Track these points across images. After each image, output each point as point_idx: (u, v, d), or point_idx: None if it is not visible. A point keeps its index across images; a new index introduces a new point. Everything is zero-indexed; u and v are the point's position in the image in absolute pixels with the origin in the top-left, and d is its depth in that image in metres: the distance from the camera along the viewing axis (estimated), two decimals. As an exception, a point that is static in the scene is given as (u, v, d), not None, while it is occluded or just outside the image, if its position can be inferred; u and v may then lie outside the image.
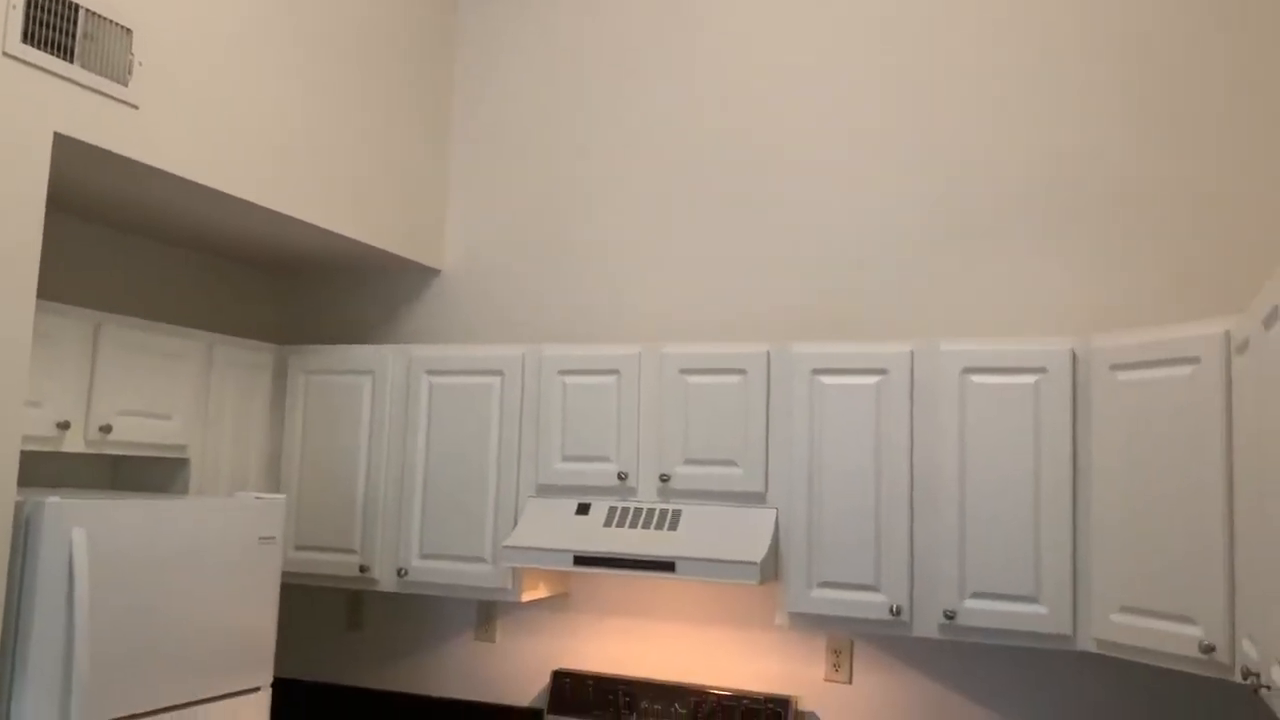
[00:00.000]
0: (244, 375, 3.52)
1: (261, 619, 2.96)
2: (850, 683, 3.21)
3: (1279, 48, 2.97)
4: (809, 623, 2.94)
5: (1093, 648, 2.64)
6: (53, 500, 2.40)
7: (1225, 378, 2.30)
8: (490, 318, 3.82)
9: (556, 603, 3.58)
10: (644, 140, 3.67)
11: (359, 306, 4.03)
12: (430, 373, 3.44)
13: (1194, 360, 2.38)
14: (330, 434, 3.54)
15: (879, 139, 3.38)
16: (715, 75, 3.60)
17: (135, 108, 2.64)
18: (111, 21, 2.57)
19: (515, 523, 3.27)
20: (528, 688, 3.59)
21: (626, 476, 3.16)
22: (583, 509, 3.16)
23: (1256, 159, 2.96)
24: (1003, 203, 3.22)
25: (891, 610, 2.82)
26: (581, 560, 3.00)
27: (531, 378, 3.33)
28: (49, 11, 2.42)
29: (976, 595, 2.76)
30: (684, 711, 3.26)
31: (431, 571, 3.34)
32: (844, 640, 3.22)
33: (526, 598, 3.28)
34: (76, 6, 2.48)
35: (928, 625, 2.81)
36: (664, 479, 3.11)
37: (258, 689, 2.94)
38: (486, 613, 3.66)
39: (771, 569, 2.93)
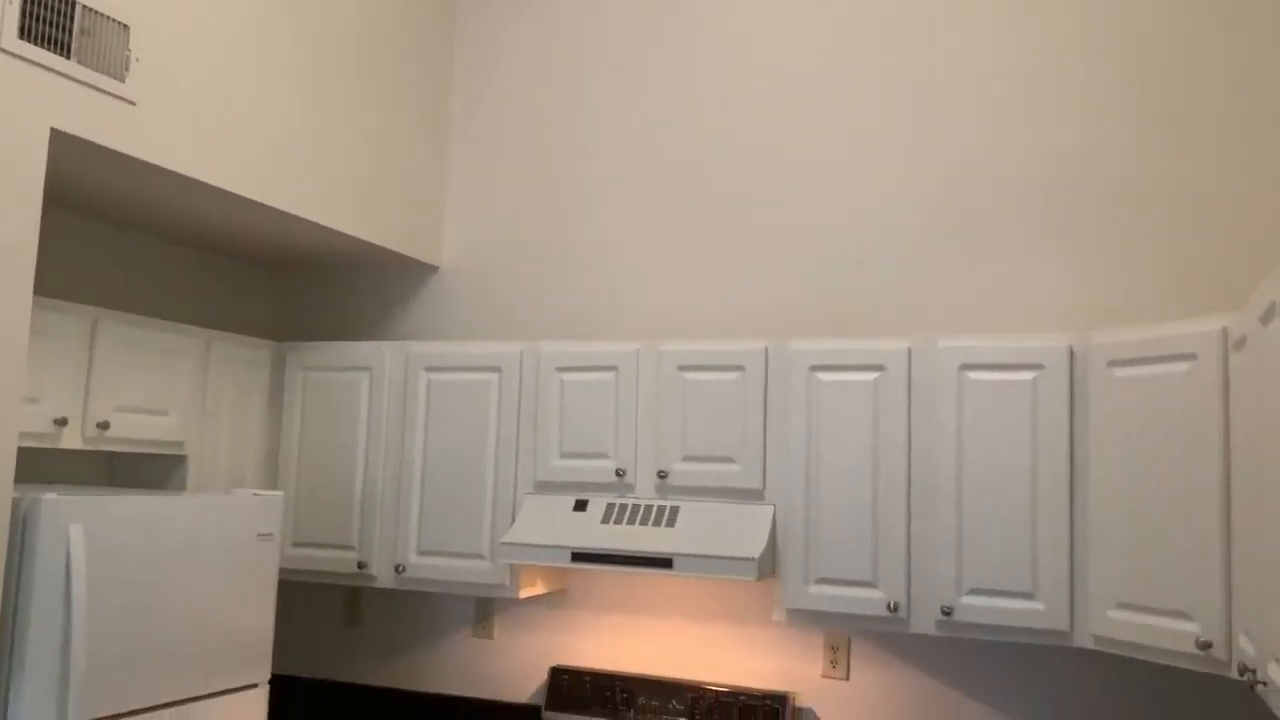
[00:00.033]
0: (242, 372, 3.51)
1: (259, 615, 2.96)
2: (848, 679, 3.21)
3: (1279, 48, 2.97)
4: (807, 619, 2.94)
5: (1090, 644, 2.64)
6: (50, 497, 2.40)
7: (1222, 374, 2.30)
8: (489, 317, 3.81)
9: (554, 599, 3.58)
10: (644, 140, 3.67)
11: (357, 303, 4.03)
12: (428, 369, 3.44)
13: (1191, 357, 2.38)
14: (328, 430, 3.54)
15: (879, 139, 3.38)
16: (715, 75, 3.60)
17: (132, 104, 2.64)
18: (108, 17, 2.57)
19: (513, 519, 3.27)
20: (525, 684, 3.59)
21: (624, 473, 3.16)
22: (580, 505, 3.16)
23: (1256, 159, 2.96)
24: (1003, 203, 3.22)
25: (889, 606, 2.82)
26: (579, 557, 3.00)
27: (530, 374, 3.33)
28: (46, 7, 2.41)
29: (974, 592, 2.76)
30: (681, 708, 3.26)
31: (429, 568, 3.34)
32: (841, 636, 3.22)
33: (524, 594, 3.28)
34: (73, 2, 2.48)
35: (925, 622, 2.81)
36: (662, 475, 3.11)
37: (255, 685, 2.94)
38: (484, 609, 3.66)
39: (769, 565, 2.93)
